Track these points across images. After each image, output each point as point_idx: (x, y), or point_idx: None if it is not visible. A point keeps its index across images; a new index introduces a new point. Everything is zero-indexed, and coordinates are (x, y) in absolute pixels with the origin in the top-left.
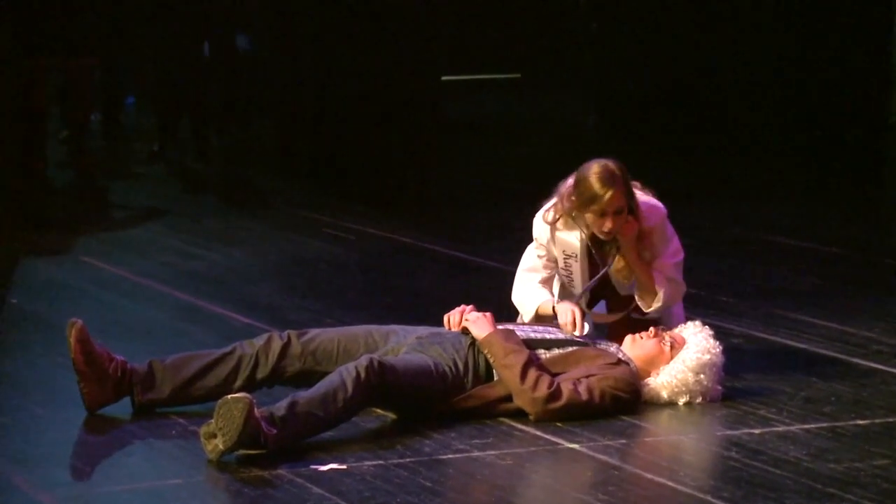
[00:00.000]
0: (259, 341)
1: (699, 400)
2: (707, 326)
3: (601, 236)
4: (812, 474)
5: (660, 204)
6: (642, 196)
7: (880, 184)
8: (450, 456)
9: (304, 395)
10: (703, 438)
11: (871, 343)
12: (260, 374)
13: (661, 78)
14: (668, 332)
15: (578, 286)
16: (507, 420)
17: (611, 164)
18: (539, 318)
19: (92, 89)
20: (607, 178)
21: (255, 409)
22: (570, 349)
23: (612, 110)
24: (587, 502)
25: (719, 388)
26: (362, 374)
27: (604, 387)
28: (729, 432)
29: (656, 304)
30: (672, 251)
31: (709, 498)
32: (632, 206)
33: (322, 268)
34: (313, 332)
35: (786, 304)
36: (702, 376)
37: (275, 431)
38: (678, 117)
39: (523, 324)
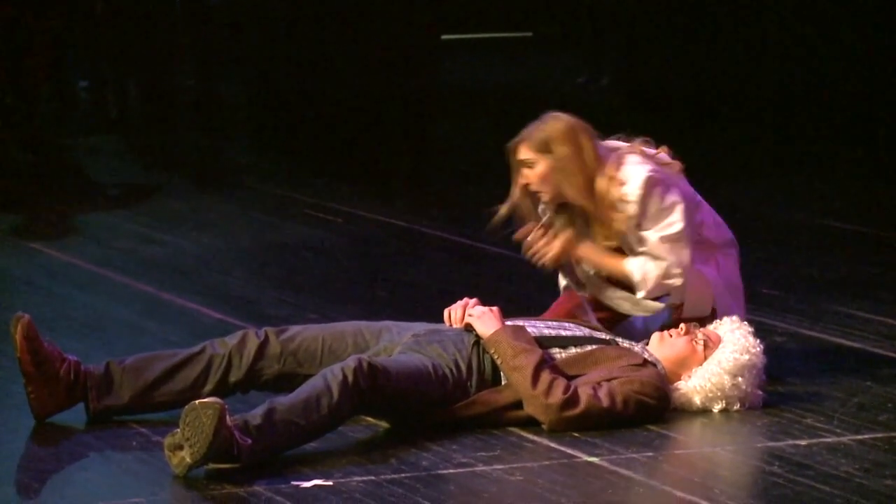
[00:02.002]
0: (232, 340)
1: (737, 407)
2: (746, 322)
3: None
4: (865, 491)
5: (644, 167)
6: (631, 157)
7: None
8: (451, 471)
9: (283, 400)
10: (742, 451)
11: None
12: (233, 378)
13: (692, 39)
14: (700, 330)
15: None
16: (516, 430)
17: (549, 115)
18: None
19: (50, 51)
20: (524, 129)
21: (228, 417)
22: (588, 348)
23: (636, 74)
24: None
25: (760, 393)
26: (349, 378)
27: (627, 391)
28: (771, 444)
29: (641, 292)
30: (663, 224)
31: None
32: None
33: (304, 255)
34: (294, 329)
35: (837, 296)
36: (740, 379)
37: (249, 442)
38: (713, 83)
39: (535, 319)
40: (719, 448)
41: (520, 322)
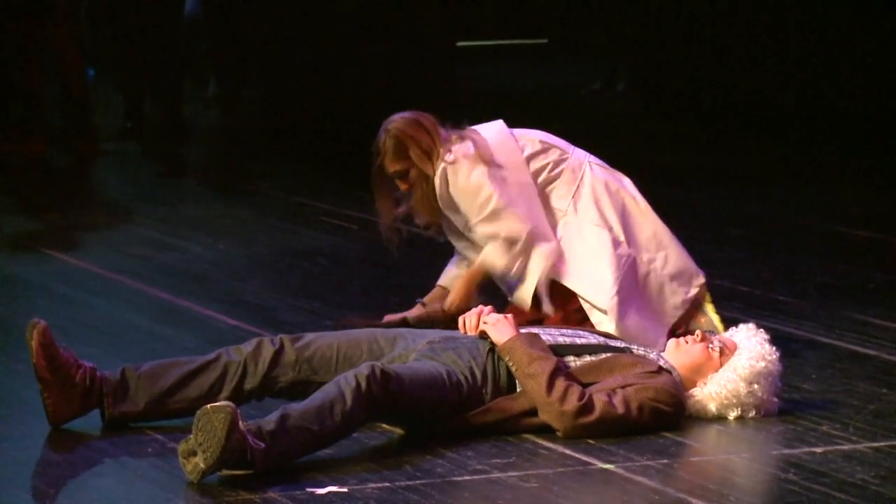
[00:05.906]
0: (247, 347)
1: (752, 414)
2: (762, 330)
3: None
4: (881, 499)
5: (459, 152)
6: (459, 148)
7: None
8: (466, 477)
9: (296, 406)
10: (757, 458)
11: None
12: (248, 385)
13: (707, 45)
14: (717, 336)
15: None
16: (531, 437)
17: (388, 121)
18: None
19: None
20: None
21: (240, 421)
22: (603, 356)
23: (651, 81)
24: None
25: (776, 400)
26: (363, 384)
27: (642, 398)
28: (786, 451)
29: (505, 272)
30: (479, 204)
31: None
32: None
33: (320, 262)
34: (309, 336)
35: (853, 304)
36: (755, 386)
37: (263, 447)
38: (727, 89)
39: (550, 327)
40: (735, 455)
41: (534, 330)
